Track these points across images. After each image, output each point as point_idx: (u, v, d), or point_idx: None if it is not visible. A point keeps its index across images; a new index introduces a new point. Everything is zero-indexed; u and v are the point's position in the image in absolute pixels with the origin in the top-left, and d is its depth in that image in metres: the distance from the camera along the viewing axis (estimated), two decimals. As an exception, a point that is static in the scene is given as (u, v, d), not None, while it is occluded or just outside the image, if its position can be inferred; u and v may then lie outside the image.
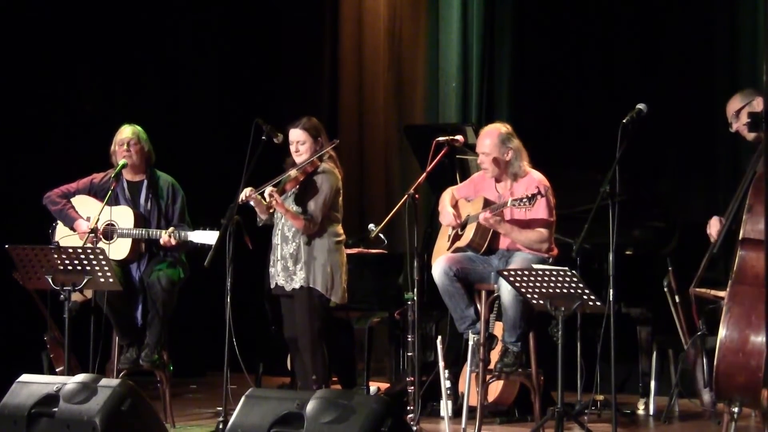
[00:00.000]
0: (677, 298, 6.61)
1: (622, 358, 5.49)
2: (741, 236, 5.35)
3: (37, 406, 5.12)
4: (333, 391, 5.02)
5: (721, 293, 5.52)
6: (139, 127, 6.86)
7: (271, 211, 6.53)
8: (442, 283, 6.40)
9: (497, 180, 6.51)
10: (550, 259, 6.34)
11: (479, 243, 6.46)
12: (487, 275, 6.40)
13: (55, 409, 5.07)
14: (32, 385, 5.24)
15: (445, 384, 6.01)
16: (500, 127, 6.51)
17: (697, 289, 5.80)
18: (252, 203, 6.40)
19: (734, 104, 5.84)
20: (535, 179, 6.40)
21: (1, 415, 5.20)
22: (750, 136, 5.75)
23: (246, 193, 6.34)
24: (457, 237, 6.62)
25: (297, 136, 6.53)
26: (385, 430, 4.35)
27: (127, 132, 6.82)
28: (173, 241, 6.60)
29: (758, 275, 5.25)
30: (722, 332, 5.19)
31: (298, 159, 6.55)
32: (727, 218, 5.58)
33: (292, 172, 6.48)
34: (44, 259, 5.97)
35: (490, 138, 6.45)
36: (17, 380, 5.31)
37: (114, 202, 6.75)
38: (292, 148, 6.56)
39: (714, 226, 5.78)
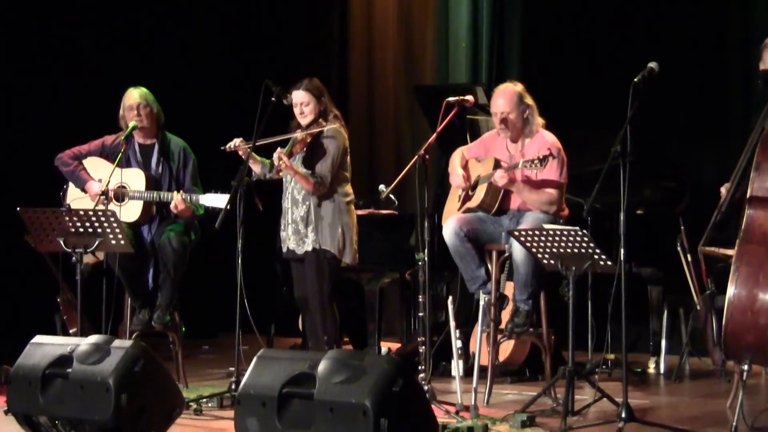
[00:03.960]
0: (689, 258, 6.61)
1: (633, 317, 5.48)
2: (749, 195, 5.32)
3: (51, 367, 5.15)
4: (344, 351, 5.04)
5: (730, 252, 5.51)
6: (145, 89, 6.84)
7: (280, 174, 6.53)
8: (452, 243, 6.40)
9: (513, 140, 6.49)
10: (561, 219, 6.34)
11: (490, 203, 6.46)
12: (498, 235, 6.40)
13: (69, 370, 5.10)
14: (46, 346, 5.27)
15: (456, 344, 6.02)
16: (514, 86, 6.50)
17: (706, 248, 5.79)
18: (240, 153, 6.38)
19: None
20: (547, 140, 6.38)
21: (16, 375, 5.24)
22: None
23: (235, 142, 6.33)
24: (467, 197, 6.62)
25: (300, 97, 6.52)
26: (396, 390, 4.36)
27: (135, 96, 6.80)
28: (184, 205, 6.60)
29: (766, 234, 5.24)
30: (730, 292, 5.19)
31: (303, 121, 6.53)
32: (735, 176, 5.55)
33: (299, 135, 6.47)
34: (55, 221, 5.98)
35: (505, 97, 6.43)
36: (31, 341, 5.35)
37: (125, 164, 6.75)
38: (296, 110, 6.54)
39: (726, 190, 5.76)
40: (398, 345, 7.87)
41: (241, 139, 6.35)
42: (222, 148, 6.39)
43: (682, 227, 6.69)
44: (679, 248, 6.68)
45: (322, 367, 4.51)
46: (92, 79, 8.73)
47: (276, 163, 6.35)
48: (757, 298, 5.14)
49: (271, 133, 6.39)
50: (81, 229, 5.95)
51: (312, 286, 6.48)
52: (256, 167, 6.56)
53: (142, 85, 6.90)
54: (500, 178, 6.29)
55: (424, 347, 5.98)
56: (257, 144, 6.33)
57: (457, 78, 9.02)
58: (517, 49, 8.91)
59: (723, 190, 5.81)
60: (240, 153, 6.37)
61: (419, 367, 5.96)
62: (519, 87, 6.49)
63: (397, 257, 7.42)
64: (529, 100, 6.45)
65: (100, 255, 6.60)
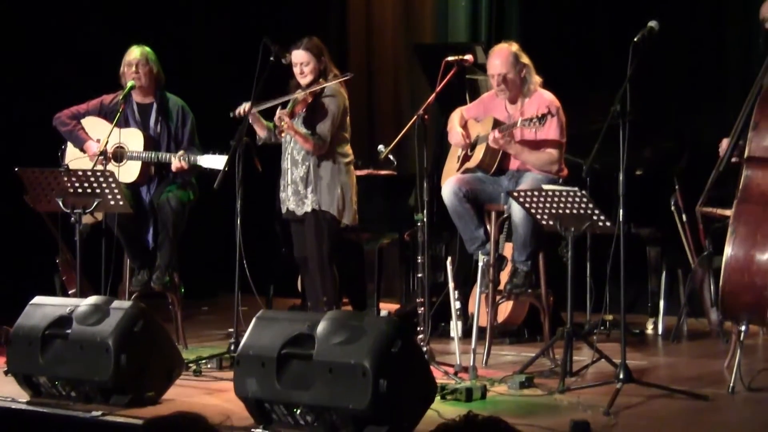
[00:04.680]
0: (684, 217, 6.61)
1: (632, 278, 5.49)
2: (746, 154, 5.31)
3: (50, 328, 5.18)
4: (343, 312, 5.06)
5: (728, 212, 5.50)
6: (148, 48, 6.82)
7: (282, 135, 6.51)
8: (451, 203, 6.40)
9: (512, 101, 6.47)
10: (560, 180, 6.33)
11: (489, 163, 6.44)
12: (497, 196, 6.40)
13: (69, 331, 5.13)
14: (46, 307, 5.29)
15: (455, 305, 6.04)
16: (509, 46, 6.46)
17: (704, 208, 5.79)
18: (249, 119, 6.36)
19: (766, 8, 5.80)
20: (546, 99, 6.36)
21: (16, 336, 5.26)
22: None
23: (244, 107, 6.31)
24: (466, 158, 6.60)
25: (300, 57, 6.48)
26: (395, 351, 4.38)
27: (135, 53, 6.78)
28: (184, 165, 6.60)
29: (764, 194, 5.23)
30: (728, 252, 5.19)
31: (303, 80, 6.50)
32: (733, 135, 5.53)
33: (299, 95, 6.44)
34: (54, 181, 5.97)
35: (501, 58, 6.40)
36: (30, 302, 5.36)
37: (124, 124, 6.74)
38: (296, 70, 6.51)
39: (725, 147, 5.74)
40: (397, 306, 7.88)
41: (249, 104, 6.31)
42: (231, 115, 6.34)
43: (676, 186, 6.69)
44: (673, 208, 6.67)
45: (321, 327, 4.52)
46: (90, 37, 8.68)
47: (277, 123, 6.34)
48: (754, 259, 5.14)
49: (269, 92, 6.36)
50: (80, 190, 5.94)
51: (311, 247, 6.48)
52: (262, 132, 6.55)
53: (141, 43, 6.86)
54: (493, 141, 6.27)
55: (422, 308, 5.99)
56: (261, 108, 6.31)
57: (457, 37, 8.97)
58: (516, 8, 8.85)
59: (723, 144, 5.79)
60: (250, 119, 6.35)
61: (418, 328, 5.97)
62: (514, 47, 6.45)
63: (396, 218, 7.42)
64: (525, 59, 6.41)
65: (99, 215, 6.60)
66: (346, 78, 6.53)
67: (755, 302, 5.16)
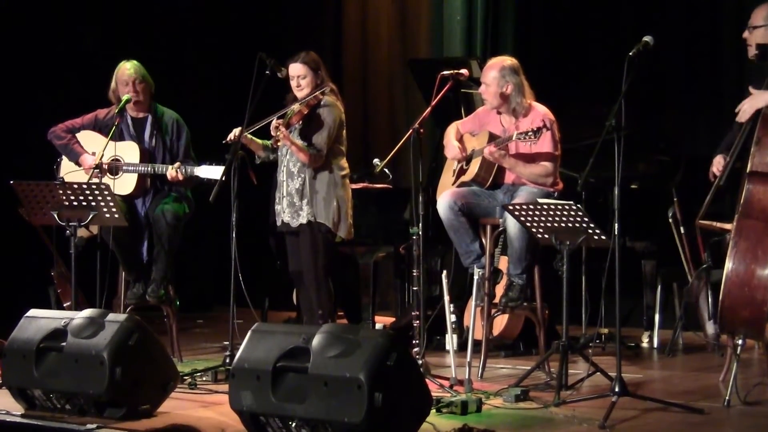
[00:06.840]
0: (682, 230, 6.61)
1: (627, 291, 5.49)
2: (749, 169, 5.31)
3: (45, 341, 5.16)
4: (338, 325, 5.05)
5: (727, 226, 5.52)
6: (136, 62, 6.81)
7: (278, 144, 6.51)
8: (447, 217, 6.40)
9: (496, 112, 6.48)
10: (555, 193, 6.34)
11: (484, 177, 6.45)
12: (492, 209, 6.40)
13: (63, 344, 5.12)
14: (40, 320, 5.28)
15: (450, 318, 6.03)
16: (504, 60, 6.46)
17: (703, 222, 5.80)
18: (244, 142, 6.36)
19: (757, 17, 5.81)
20: (540, 113, 6.36)
21: (10, 349, 5.25)
22: (751, 52, 5.75)
23: (235, 133, 6.27)
24: (462, 171, 6.61)
25: (297, 70, 6.50)
26: (390, 364, 4.37)
27: (130, 70, 6.76)
28: (180, 176, 6.60)
29: (765, 209, 5.24)
30: (728, 266, 5.20)
31: (300, 93, 6.51)
32: (734, 150, 5.55)
33: (296, 107, 6.46)
34: (49, 194, 5.97)
35: (489, 69, 6.42)
36: (25, 315, 5.35)
37: (119, 137, 6.74)
38: (293, 83, 6.52)
39: (717, 165, 5.76)
40: (392, 319, 7.88)
41: (239, 129, 6.27)
42: (224, 141, 6.32)
43: (675, 199, 6.70)
44: (671, 220, 6.68)
45: (316, 341, 4.52)
46: (83, 51, 8.69)
47: (273, 134, 6.34)
48: (754, 274, 5.14)
49: (265, 104, 6.36)
50: (75, 203, 5.94)
51: (306, 260, 6.47)
52: (259, 151, 6.56)
53: (136, 57, 6.87)
54: (489, 154, 6.28)
55: (418, 321, 5.99)
56: (254, 129, 6.31)
57: (452, 51, 8.99)
58: (511, 22, 8.87)
59: (716, 160, 5.79)
60: (244, 142, 6.33)
61: (413, 341, 5.97)
62: (508, 62, 6.44)
63: (391, 231, 7.42)
64: (516, 78, 6.35)
65: (95, 229, 6.60)
66: (338, 98, 6.53)
67: (754, 317, 5.17)
